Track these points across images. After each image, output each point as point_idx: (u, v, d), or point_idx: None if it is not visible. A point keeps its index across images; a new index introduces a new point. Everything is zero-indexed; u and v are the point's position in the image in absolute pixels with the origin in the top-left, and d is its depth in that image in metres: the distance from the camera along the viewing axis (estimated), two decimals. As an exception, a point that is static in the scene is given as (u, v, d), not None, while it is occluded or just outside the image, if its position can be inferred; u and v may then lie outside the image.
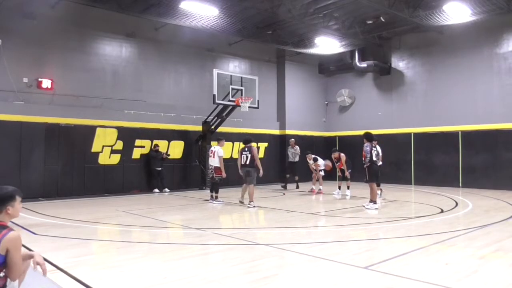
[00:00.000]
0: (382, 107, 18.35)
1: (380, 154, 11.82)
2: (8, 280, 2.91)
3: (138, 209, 10.01)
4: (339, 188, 13.49)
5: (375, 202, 9.92)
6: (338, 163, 13.14)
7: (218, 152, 11.24)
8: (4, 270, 2.86)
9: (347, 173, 12.84)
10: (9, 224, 3.06)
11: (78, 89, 13.42)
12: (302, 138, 19.03)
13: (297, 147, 15.67)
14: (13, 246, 2.85)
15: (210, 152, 11.81)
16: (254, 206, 10.33)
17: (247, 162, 10.53)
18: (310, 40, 16.28)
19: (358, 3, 13.10)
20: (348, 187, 12.91)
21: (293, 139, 16.22)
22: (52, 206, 10.67)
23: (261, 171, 10.73)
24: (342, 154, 12.98)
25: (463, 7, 12.34)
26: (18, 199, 3.09)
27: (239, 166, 10.92)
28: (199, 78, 16.55)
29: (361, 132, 10.75)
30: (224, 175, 11.26)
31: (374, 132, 16.47)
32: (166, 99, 15.55)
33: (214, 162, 11.39)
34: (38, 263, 3.07)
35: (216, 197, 11.43)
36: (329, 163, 13.74)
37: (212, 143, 14.10)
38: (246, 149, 10.69)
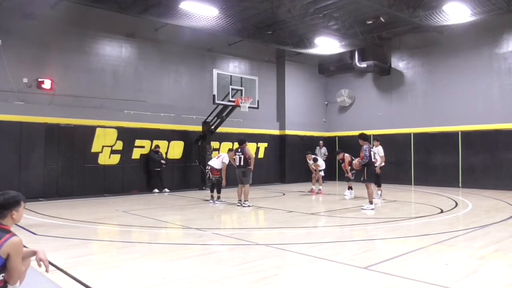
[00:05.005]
0: (382, 107, 18.35)
1: (383, 154, 11.85)
2: (8, 286, 2.93)
3: (138, 209, 10.02)
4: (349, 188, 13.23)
5: (371, 203, 9.94)
6: (343, 164, 13.07)
7: (224, 158, 11.24)
8: (3, 273, 2.88)
9: (349, 174, 12.69)
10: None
11: (78, 89, 13.43)
12: (302, 139, 19.06)
13: (324, 148, 16.75)
14: (15, 251, 2.87)
15: (216, 156, 11.82)
16: (249, 206, 10.40)
17: (241, 163, 10.56)
18: (310, 40, 16.28)
19: (358, 3, 13.10)
20: (349, 188, 12.87)
21: (321, 141, 17.39)
22: (52, 206, 10.67)
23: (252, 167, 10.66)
24: (346, 155, 12.90)
25: (463, 7, 12.34)
26: (23, 204, 3.14)
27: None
28: (199, 78, 16.55)
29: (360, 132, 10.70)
30: (224, 182, 11.26)
31: (374, 132, 16.67)
32: (166, 99, 15.55)
33: (213, 163, 11.42)
34: (41, 259, 3.09)
35: (218, 197, 11.45)
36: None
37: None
38: (239, 150, 10.72)
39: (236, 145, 16.30)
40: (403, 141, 17.20)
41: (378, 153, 11.42)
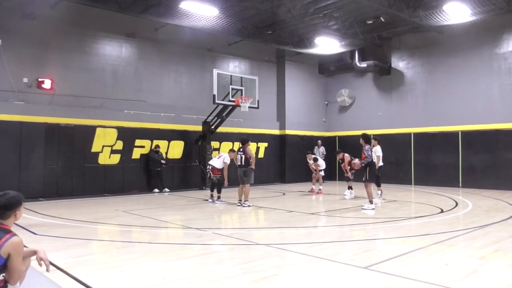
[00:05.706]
0: (382, 107, 18.35)
1: (381, 154, 11.89)
2: (8, 285, 2.94)
3: (138, 209, 10.01)
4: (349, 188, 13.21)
5: (371, 202, 9.96)
6: (343, 164, 13.06)
7: (225, 158, 11.24)
8: (4, 273, 2.89)
9: (348, 174, 12.64)
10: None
11: (78, 89, 13.43)
12: (302, 138, 19.06)
13: (323, 147, 17.13)
14: (16, 251, 2.89)
15: (217, 156, 11.82)
16: (249, 205, 10.41)
17: (242, 163, 10.58)
18: (310, 40, 16.28)
19: (358, 3, 13.10)
20: (349, 188, 12.86)
21: (320, 140, 17.85)
22: (52, 206, 10.67)
23: (253, 167, 10.69)
24: (346, 155, 12.88)
25: (463, 7, 12.34)
26: (23, 204, 3.17)
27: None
28: (199, 78, 16.55)
29: (361, 132, 10.76)
30: (226, 183, 11.27)
31: (374, 132, 16.67)
32: (166, 99, 15.56)
33: (215, 163, 11.40)
34: (41, 259, 3.10)
35: (219, 197, 11.45)
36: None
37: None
38: (241, 149, 10.73)
39: (236, 144, 16.44)
40: (403, 141, 17.20)
41: (375, 152, 11.47)
